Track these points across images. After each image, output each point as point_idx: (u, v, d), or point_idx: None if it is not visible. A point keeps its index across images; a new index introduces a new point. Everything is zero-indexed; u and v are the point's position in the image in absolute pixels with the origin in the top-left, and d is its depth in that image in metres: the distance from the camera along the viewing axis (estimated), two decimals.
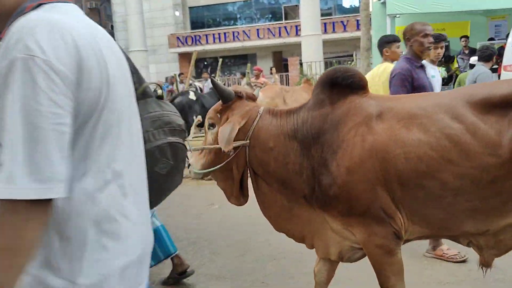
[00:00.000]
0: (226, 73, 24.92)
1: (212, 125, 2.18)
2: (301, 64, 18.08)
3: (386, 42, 3.96)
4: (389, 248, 1.87)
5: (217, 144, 2.03)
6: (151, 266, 2.87)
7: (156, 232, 2.83)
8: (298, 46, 19.42)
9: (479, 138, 1.70)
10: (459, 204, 1.76)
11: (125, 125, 0.97)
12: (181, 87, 10.07)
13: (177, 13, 26.86)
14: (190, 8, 27.93)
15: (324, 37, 20.00)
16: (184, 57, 26.75)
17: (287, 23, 24.98)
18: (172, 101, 7.29)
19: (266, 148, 2.02)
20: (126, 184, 0.96)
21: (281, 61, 25.24)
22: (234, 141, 1.99)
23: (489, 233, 1.81)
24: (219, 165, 2.07)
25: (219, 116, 2.15)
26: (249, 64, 10.26)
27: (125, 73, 1.02)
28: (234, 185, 2.16)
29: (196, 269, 3.23)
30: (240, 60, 26.41)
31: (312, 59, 17.01)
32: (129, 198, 0.97)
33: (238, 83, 14.84)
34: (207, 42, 25.68)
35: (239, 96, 2.15)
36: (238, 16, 28.41)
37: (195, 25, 28.08)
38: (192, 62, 8.87)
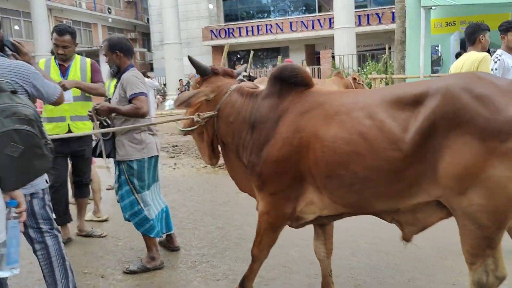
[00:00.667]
0: (258, 66, 25.01)
1: None
2: (333, 57, 17.93)
3: (482, 29, 3.96)
4: (276, 226, 2.30)
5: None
6: (160, 236, 3.17)
7: (165, 211, 3.34)
8: (331, 39, 19.25)
9: (385, 134, 1.90)
10: (368, 189, 2.00)
11: None
12: None
13: (210, 6, 27.10)
14: (224, 1, 28.13)
15: (358, 30, 19.70)
16: (218, 49, 27.01)
17: (320, 15, 24.74)
18: None
19: (228, 121, 2.40)
20: None
21: (313, 54, 25.08)
22: (205, 111, 2.43)
23: (404, 211, 2.04)
24: (192, 128, 2.51)
25: (198, 86, 2.55)
26: (280, 57, 10.31)
27: None
28: (206, 147, 2.57)
29: (222, 252, 3.39)
30: (272, 53, 26.43)
31: (345, 52, 16.84)
32: None
33: None
34: (240, 35, 25.82)
35: (215, 72, 2.51)
36: (272, 9, 28.33)
37: (228, 18, 28.27)
38: (224, 54, 9.00)
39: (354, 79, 8.34)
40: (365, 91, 2.44)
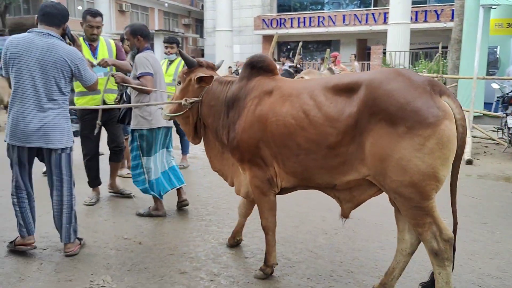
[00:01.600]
0: (307, 58, 24.83)
1: (179, 83, 3.05)
2: (384, 53, 17.49)
3: None
4: (263, 190, 2.65)
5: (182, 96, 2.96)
6: (175, 187, 3.87)
7: (172, 171, 3.97)
8: (384, 34, 18.74)
9: (323, 113, 2.29)
10: (310, 161, 2.38)
11: None
12: None
13: None
14: None
15: (413, 26, 19.06)
16: (268, 39, 27.00)
17: (375, 9, 24.11)
18: None
19: (209, 105, 2.87)
20: None
21: (365, 49, 24.55)
22: (191, 97, 2.91)
23: (341, 189, 2.41)
24: (179, 113, 2.99)
25: (185, 76, 2.99)
26: (328, 50, 10.22)
27: None
28: (190, 129, 3.06)
29: (252, 233, 3.52)
30: (323, 46, 26.08)
31: (398, 48, 16.36)
32: None
33: (318, 69, 14.80)
34: (291, 26, 25.68)
35: (200, 65, 2.98)
36: (326, 1, 27.93)
37: (281, 8, 28.18)
38: (273, 44, 9.05)
39: None
40: (314, 79, 2.75)
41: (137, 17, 28.43)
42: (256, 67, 2.70)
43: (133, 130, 3.77)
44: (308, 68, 17.48)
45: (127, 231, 3.53)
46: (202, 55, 28.22)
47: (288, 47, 27.07)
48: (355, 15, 24.09)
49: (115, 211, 4.05)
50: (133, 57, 3.80)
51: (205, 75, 2.83)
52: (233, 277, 2.79)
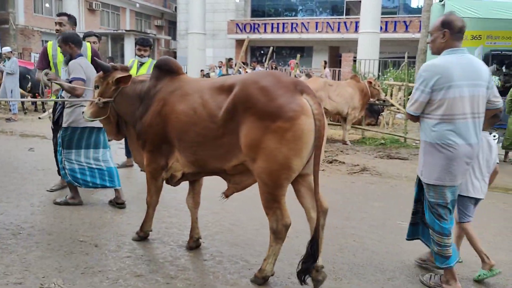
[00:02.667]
0: (281, 63, 25.04)
1: (96, 87, 3.30)
2: (354, 60, 17.84)
3: None
4: (155, 175, 3.05)
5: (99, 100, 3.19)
6: (109, 187, 4.13)
7: (114, 170, 4.20)
8: (355, 42, 19.14)
9: (207, 110, 2.62)
10: (202, 151, 2.73)
11: None
12: (230, 72, 10.41)
13: (237, 0, 27.18)
14: None
15: (383, 36, 19.54)
16: (241, 43, 27.03)
17: (347, 18, 24.63)
18: None
19: (124, 102, 3.15)
20: None
21: (336, 56, 24.98)
22: (106, 97, 3.18)
23: (231, 173, 2.74)
24: (101, 117, 3.28)
25: (102, 80, 3.23)
26: (298, 55, 10.33)
27: None
28: (112, 128, 3.36)
29: (213, 235, 3.50)
30: (296, 52, 26.26)
31: (368, 56, 16.73)
32: None
33: (289, 74, 14.92)
34: (265, 31, 25.86)
35: (115, 69, 3.21)
36: (299, 8, 28.29)
37: (255, 13, 28.34)
38: (243, 48, 9.13)
39: (370, 83, 8.34)
40: (207, 80, 3.08)
41: (108, 17, 27.95)
42: (163, 69, 3.01)
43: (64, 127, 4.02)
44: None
45: (83, 233, 3.43)
46: (175, 57, 27.94)
47: (262, 52, 27.21)
48: (328, 23, 24.52)
49: (73, 213, 3.93)
50: (66, 63, 4.06)
51: (123, 75, 3.08)
52: (190, 280, 2.75)
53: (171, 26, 32.45)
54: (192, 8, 21.82)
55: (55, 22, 4.53)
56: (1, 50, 12.62)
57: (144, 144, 3.03)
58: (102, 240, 3.33)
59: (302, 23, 25.15)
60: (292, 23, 25.41)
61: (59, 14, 4.63)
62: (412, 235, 3.06)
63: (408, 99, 3.20)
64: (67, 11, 20.61)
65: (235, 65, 11.60)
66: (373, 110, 10.82)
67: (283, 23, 25.63)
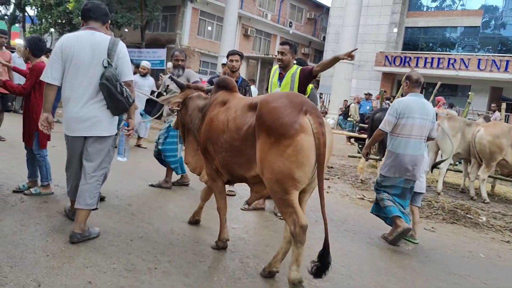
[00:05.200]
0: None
1: (180, 102, 3.83)
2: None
3: None
4: (212, 177, 3.40)
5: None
6: (178, 172, 5.43)
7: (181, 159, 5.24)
8: None
9: (236, 123, 3.02)
10: (229, 158, 3.10)
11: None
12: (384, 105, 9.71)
13: (395, 30, 26.10)
14: (406, 28, 26.85)
15: None
16: (388, 76, 25.86)
17: None
18: (373, 116, 6.99)
19: (187, 114, 3.72)
20: None
21: (499, 99, 22.00)
22: (177, 108, 3.81)
23: (253, 182, 3.06)
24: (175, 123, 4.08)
25: (181, 95, 3.83)
26: (471, 94, 9.01)
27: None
28: (182, 133, 3.99)
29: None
30: (449, 90, 24.12)
31: None
32: None
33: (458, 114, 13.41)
34: (416, 65, 24.15)
35: (189, 87, 3.86)
36: (457, 42, 25.92)
37: (406, 46, 26.84)
38: (435, 91, 8.77)
39: None
40: (247, 98, 3.36)
41: (260, 42, 29.46)
42: (220, 86, 3.50)
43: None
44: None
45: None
46: (317, 85, 27.97)
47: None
48: (494, 60, 21.80)
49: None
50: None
51: (190, 95, 3.76)
52: None
53: (317, 55, 32.76)
54: (342, 37, 21.49)
55: (278, 51, 4.66)
56: (166, 65, 13.85)
57: (201, 149, 3.48)
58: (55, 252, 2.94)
59: (462, 59, 22.82)
60: (449, 59, 23.25)
61: (283, 43, 4.66)
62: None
63: None
64: (226, 35, 22.27)
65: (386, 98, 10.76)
66: None
67: (439, 58, 23.62)
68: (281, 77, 4.63)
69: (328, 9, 30.71)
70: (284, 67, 4.60)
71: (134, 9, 19.05)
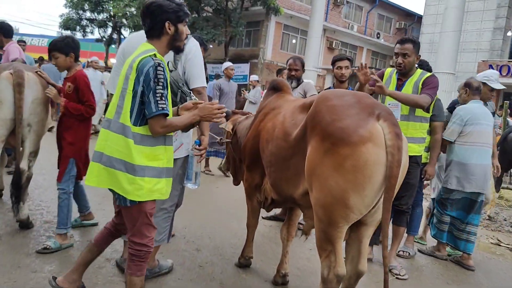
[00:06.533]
0: None
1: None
2: None
3: None
4: (249, 192, 3.09)
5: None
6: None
7: None
8: None
9: (284, 128, 2.53)
10: (274, 172, 2.63)
11: None
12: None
13: (509, 34, 23.30)
14: None
15: None
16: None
17: None
18: (507, 135, 5.65)
19: (238, 143, 3.32)
20: None
21: None
22: (227, 137, 3.53)
23: (303, 204, 2.46)
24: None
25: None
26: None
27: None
28: (232, 169, 3.59)
29: None
30: None
31: None
32: None
33: None
34: None
35: (235, 113, 3.66)
36: None
37: None
38: None
39: None
40: (299, 99, 2.97)
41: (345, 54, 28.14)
42: (272, 88, 3.12)
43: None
44: None
45: None
46: None
47: None
48: None
49: None
50: None
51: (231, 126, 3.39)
52: None
53: None
54: (441, 46, 19.44)
55: (395, 53, 3.58)
56: (249, 78, 13.28)
57: (244, 159, 3.07)
58: None
59: None
60: None
61: (403, 41, 3.56)
62: None
63: None
64: (310, 48, 21.43)
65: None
66: None
67: None
68: (399, 85, 3.56)
69: (420, 17, 28.55)
70: (405, 73, 3.55)
71: (218, 25, 19.04)
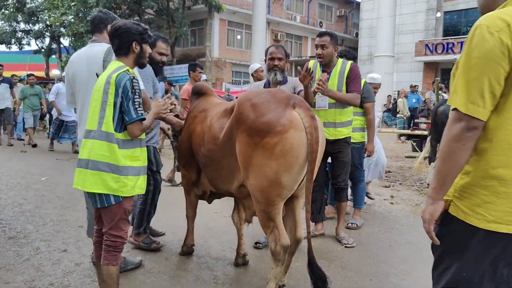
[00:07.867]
0: None
1: None
2: None
3: None
4: (186, 189, 3.34)
5: None
6: None
7: None
8: None
9: (212, 132, 2.81)
10: (209, 172, 2.95)
11: None
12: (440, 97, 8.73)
13: (438, 14, 24.60)
14: (445, 13, 25.25)
15: None
16: (430, 66, 24.38)
17: None
18: (436, 109, 6.07)
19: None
20: None
21: None
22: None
23: (240, 196, 2.82)
24: None
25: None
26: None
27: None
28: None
29: None
30: None
31: None
32: None
33: None
34: (460, 51, 22.54)
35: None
36: None
37: (447, 32, 25.24)
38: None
39: None
40: (223, 103, 3.09)
41: (291, 46, 28.71)
42: (196, 92, 3.36)
43: None
44: None
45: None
46: None
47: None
48: None
49: None
50: None
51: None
52: None
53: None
54: (379, 29, 20.36)
55: (316, 45, 3.76)
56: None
57: (179, 158, 3.30)
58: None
59: None
60: None
61: (321, 34, 3.80)
62: None
63: None
64: (256, 42, 21.76)
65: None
66: None
67: None
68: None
69: (358, 4, 29.60)
70: (326, 64, 3.77)
71: (162, 27, 18.89)
